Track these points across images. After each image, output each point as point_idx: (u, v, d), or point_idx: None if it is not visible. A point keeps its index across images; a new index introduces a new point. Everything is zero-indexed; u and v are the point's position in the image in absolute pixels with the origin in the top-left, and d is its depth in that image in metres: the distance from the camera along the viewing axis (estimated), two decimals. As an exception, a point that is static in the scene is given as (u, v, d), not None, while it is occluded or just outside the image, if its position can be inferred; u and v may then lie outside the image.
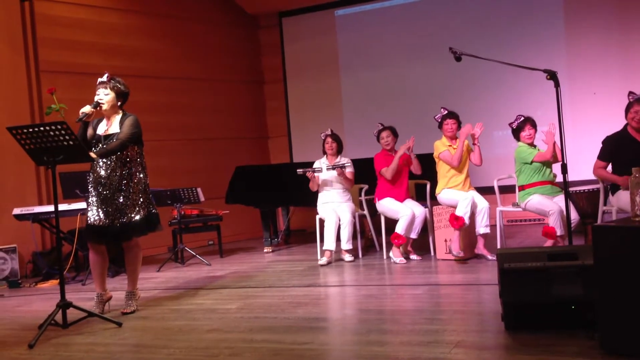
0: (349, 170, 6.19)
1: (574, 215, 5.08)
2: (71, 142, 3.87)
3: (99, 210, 4.33)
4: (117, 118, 4.41)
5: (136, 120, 4.38)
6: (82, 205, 5.89)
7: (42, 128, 3.83)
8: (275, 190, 7.24)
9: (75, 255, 6.30)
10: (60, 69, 7.13)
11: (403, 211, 5.74)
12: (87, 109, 4.27)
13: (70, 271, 6.26)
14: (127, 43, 7.85)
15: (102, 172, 4.33)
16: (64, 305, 4.00)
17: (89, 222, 4.37)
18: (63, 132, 3.82)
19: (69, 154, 3.93)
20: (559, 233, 5.06)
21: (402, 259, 5.72)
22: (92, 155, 4.18)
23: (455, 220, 5.41)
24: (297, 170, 6.18)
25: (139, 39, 7.99)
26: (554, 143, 5.21)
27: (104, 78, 4.40)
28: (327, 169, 6.15)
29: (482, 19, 8.12)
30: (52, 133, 3.82)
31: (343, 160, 6.29)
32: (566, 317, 3.16)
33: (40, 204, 6.77)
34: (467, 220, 5.44)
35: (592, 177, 5.28)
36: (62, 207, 5.76)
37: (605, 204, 5.14)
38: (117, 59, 7.61)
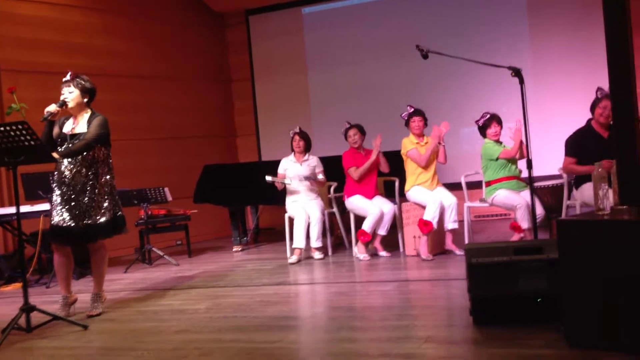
0: (320, 177, 6.19)
1: (539, 210, 5.17)
2: (32, 142, 3.78)
3: (63, 210, 4.24)
4: (85, 117, 4.33)
5: (104, 121, 4.30)
6: (45, 206, 5.76)
7: (2, 128, 3.73)
8: (244, 189, 7.20)
9: (38, 258, 6.16)
10: (22, 68, 6.96)
11: (371, 209, 5.77)
12: (52, 107, 4.18)
13: (33, 274, 6.12)
14: (91, 42, 7.71)
15: (67, 172, 4.25)
16: (27, 308, 3.91)
17: (53, 222, 4.28)
18: (24, 132, 3.73)
19: (31, 154, 3.84)
20: (525, 226, 5.14)
21: (366, 255, 5.75)
22: (55, 155, 4.09)
23: (424, 226, 5.46)
24: (266, 178, 6.14)
25: (103, 38, 7.85)
26: (520, 141, 5.28)
27: (67, 77, 4.32)
28: (299, 180, 6.14)
29: (448, 17, 8.20)
30: (12, 133, 3.73)
31: (311, 159, 6.28)
32: (532, 311, 3.21)
33: (2, 205, 6.61)
34: (435, 225, 5.49)
35: (556, 172, 5.37)
36: (24, 208, 5.64)
37: (569, 198, 5.24)
38: (81, 57, 7.46)
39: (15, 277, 6.08)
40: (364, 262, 5.68)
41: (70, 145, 4.22)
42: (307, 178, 6.10)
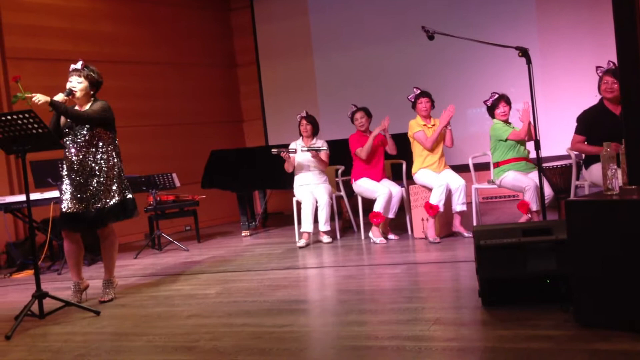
0: (323, 152, 6.18)
1: (548, 191, 5.15)
2: (40, 130, 3.80)
3: (73, 196, 4.27)
4: (89, 105, 4.35)
5: (107, 105, 4.33)
6: (54, 193, 5.81)
7: (9, 117, 3.75)
8: (252, 173, 7.21)
9: (49, 245, 6.22)
10: (28, 56, 6.98)
11: (380, 190, 5.76)
12: (59, 97, 4.19)
13: (45, 261, 6.19)
14: (96, 28, 7.70)
15: (75, 158, 4.27)
16: (39, 295, 3.96)
17: (63, 209, 4.31)
18: (31, 120, 3.76)
19: (39, 142, 3.87)
20: (534, 208, 5.13)
21: (382, 238, 5.75)
22: (42, 99, 4.03)
23: (430, 209, 5.46)
24: (272, 150, 6.16)
25: (108, 24, 7.84)
26: (529, 122, 5.25)
27: (78, 66, 4.33)
28: (302, 150, 6.14)
29: (454, -2, 8.13)
30: (19, 122, 3.75)
31: (319, 142, 6.28)
32: (541, 292, 3.21)
33: (12, 193, 6.66)
34: (441, 208, 5.49)
35: (564, 152, 5.34)
36: (34, 196, 5.68)
37: (578, 179, 5.21)
38: (86, 44, 7.47)
39: (27, 264, 6.15)
40: (372, 245, 5.69)
41: (76, 133, 4.26)
42: (309, 149, 6.10)
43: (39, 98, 4.04)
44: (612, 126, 4.69)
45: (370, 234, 5.84)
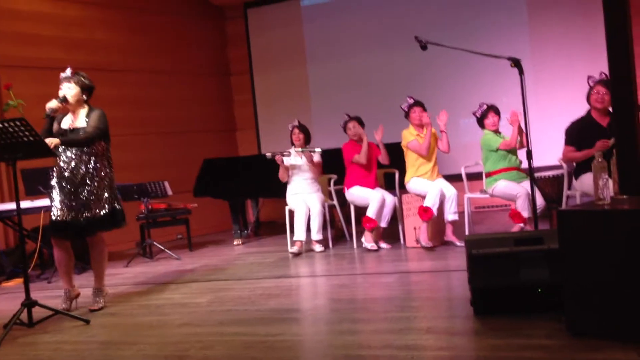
0: (316, 159, 6.20)
1: (540, 201, 5.17)
2: (31, 138, 3.78)
3: (63, 204, 4.25)
4: (83, 112, 4.35)
5: (103, 115, 4.32)
6: (45, 202, 5.76)
7: (0, 125, 3.73)
8: (244, 182, 7.20)
9: (39, 253, 6.17)
10: (21, 64, 6.95)
11: (373, 196, 5.77)
12: (53, 104, 4.19)
13: (35, 269, 6.14)
14: (90, 36, 7.69)
15: (66, 167, 4.26)
16: (29, 304, 3.93)
17: (53, 217, 4.29)
18: (22, 128, 3.73)
19: (30, 150, 3.85)
20: (526, 215, 5.14)
21: (374, 244, 5.75)
22: (54, 141, 4.07)
23: (424, 212, 5.46)
24: (266, 155, 6.18)
25: (102, 32, 7.83)
26: (519, 126, 5.28)
27: (68, 73, 4.33)
28: (295, 151, 6.17)
29: (447, 8, 8.18)
30: (11, 130, 3.73)
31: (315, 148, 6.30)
32: (534, 301, 3.21)
33: (2, 201, 6.61)
34: (435, 212, 5.49)
35: (556, 162, 5.36)
36: (25, 204, 5.64)
37: (569, 189, 5.23)
38: (80, 52, 7.45)
39: (17, 273, 6.10)
40: (366, 253, 5.68)
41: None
42: (302, 150, 6.12)
43: (52, 141, 4.07)
44: (600, 137, 4.73)
45: (363, 239, 5.84)
